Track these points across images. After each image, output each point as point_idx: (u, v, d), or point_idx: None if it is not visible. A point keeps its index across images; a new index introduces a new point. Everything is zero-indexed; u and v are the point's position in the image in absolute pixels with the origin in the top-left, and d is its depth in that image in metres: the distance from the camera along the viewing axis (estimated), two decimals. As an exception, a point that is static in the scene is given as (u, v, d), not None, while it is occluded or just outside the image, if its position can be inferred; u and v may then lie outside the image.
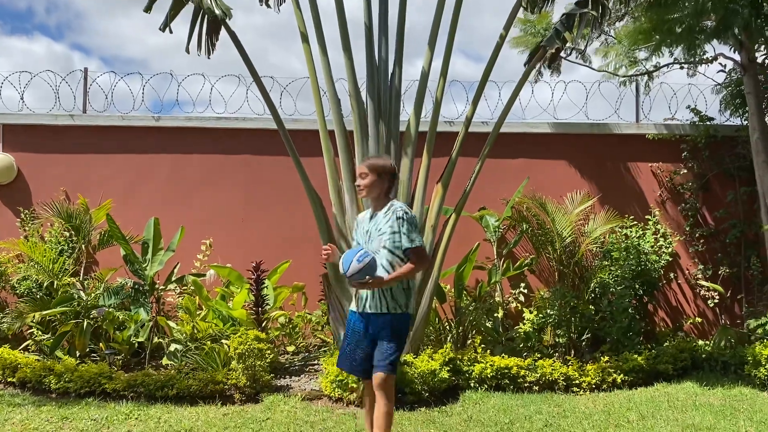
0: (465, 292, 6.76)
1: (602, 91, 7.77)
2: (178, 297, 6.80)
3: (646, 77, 7.54)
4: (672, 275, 7.57)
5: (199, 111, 7.69)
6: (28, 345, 6.41)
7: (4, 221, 7.27)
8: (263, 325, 6.21)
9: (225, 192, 7.52)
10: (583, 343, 6.54)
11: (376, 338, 3.56)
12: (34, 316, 6.03)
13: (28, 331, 6.51)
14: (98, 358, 6.05)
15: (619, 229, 7.27)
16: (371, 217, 3.66)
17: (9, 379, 5.70)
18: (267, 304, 6.29)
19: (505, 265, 7.16)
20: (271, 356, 5.51)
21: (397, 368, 3.62)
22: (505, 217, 7.12)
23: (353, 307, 3.71)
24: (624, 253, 6.89)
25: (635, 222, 7.47)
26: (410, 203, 5.84)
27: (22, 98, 7.48)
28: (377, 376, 3.51)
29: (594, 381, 5.72)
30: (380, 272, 3.49)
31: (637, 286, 6.89)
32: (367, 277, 3.39)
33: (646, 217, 7.54)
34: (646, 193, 7.70)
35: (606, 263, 6.82)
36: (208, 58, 5.86)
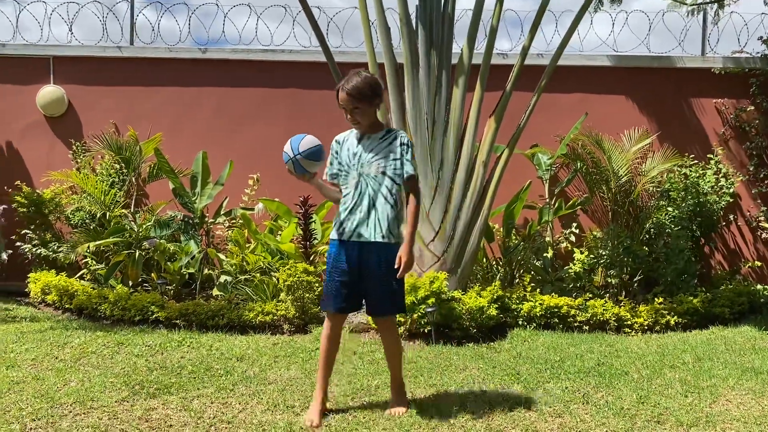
0: (514, 231, 6.63)
1: (666, 23, 7.34)
2: (227, 230, 6.85)
3: (715, 5, 7.05)
4: (732, 217, 7.27)
5: (245, 44, 7.58)
6: (83, 274, 6.59)
7: (57, 153, 7.37)
8: (311, 258, 6.21)
9: (271, 126, 7.44)
10: (635, 285, 6.38)
11: (371, 272, 3.28)
12: (88, 246, 6.16)
13: (83, 261, 6.67)
14: (150, 288, 6.18)
15: (678, 169, 6.96)
16: (361, 139, 3.37)
17: (66, 306, 5.91)
18: (315, 239, 6.28)
19: (556, 205, 6.97)
20: (320, 289, 5.52)
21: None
22: (559, 155, 6.89)
23: (335, 235, 3.37)
24: (682, 193, 6.62)
25: (695, 161, 7.13)
26: (461, 138, 5.67)
27: (70, 29, 7.47)
28: (387, 319, 3.38)
29: (647, 322, 5.59)
30: (381, 201, 3.27)
31: (694, 227, 6.65)
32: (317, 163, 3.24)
33: (708, 156, 7.20)
34: (708, 131, 7.33)
35: (663, 203, 6.58)
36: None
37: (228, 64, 7.46)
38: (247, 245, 6.46)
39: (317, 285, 5.41)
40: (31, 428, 3.09)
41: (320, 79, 7.05)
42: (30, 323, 5.40)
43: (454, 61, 5.74)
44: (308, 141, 3.23)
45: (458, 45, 5.92)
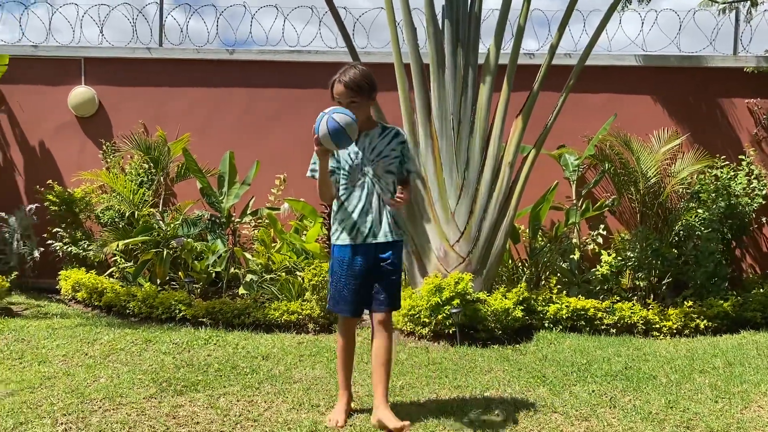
0: (541, 232, 6.57)
1: (697, 21, 7.21)
2: (254, 230, 6.91)
3: (748, 3, 6.91)
4: (764, 219, 7.11)
5: (272, 45, 7.63)
6: (112, 272, 6.69)
7: (88, 153, 7.49)
8: (336, 259, 6.23)
9: (297, 126, 7.47)
10: (664, 288, 6.28)
11: (386, 269, 3.24)
12: (117, 245, 6.25)
13: (112, 259, 6.78)
14: (177, 286, 6.25)
15: (709, 170, 6.83)
16: (358, 137, 3.20)
17: (96, 303, 6.01)
18: (339, 239, 6.30)
19: (584, 206, 6.89)
20: (344, 289, 5.54)
21: None
22: (586, 156, 6.81)
23: (348, 240, 3.24)
24: (713, 195, 6.50)
25: (726, 162, 7.00)
26: (487, 138, 5.64)
27: (101, 31, 7.60)
28: (390, 313, 3.29)
29: (675, 326, 5.51)
30: (389, 199, 3.26)
31: (725, 229, 6.53)
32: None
33: (740, 157, 7.05)
34: (740, 132, 7.19)
35: (693, 205, 6.47)
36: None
37: (255, 65, 7.52)
38: (273, 245, 6.51)
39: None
40: (61, 423, 3.14)
41: (346, 79, 7.06)
42: (60, 319, 5.51)
43: (481, 60, 5.71)
44: (345, 116, 3.02)
45: (485, 45, 5.89)
